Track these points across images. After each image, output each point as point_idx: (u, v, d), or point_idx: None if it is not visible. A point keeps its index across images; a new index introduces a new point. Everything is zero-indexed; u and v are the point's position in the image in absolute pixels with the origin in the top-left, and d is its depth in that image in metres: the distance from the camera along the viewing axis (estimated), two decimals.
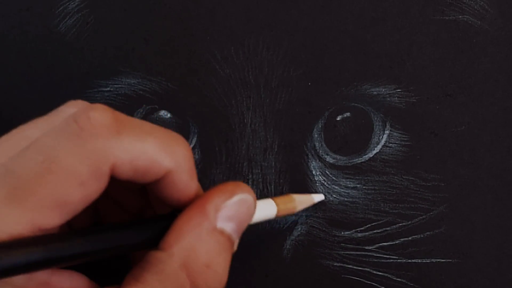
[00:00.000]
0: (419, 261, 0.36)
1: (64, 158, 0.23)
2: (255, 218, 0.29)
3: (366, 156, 0.36)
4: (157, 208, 0.30)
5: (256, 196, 0.36)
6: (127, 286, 0.25)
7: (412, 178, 0.36)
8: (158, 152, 0.25)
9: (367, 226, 0.36)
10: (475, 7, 0.36)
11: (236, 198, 0.27)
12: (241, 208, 0.27)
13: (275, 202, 0.31)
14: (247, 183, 0.36)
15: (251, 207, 0.28)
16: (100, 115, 0.24)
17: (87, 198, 0.24)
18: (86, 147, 0.24)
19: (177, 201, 0.27)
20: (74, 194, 0.23)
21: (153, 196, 0.29)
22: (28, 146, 0.24)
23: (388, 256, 0.36)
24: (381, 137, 0.36)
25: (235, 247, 0.28)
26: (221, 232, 0.27)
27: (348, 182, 0.36)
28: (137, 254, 0.31)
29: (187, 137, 0.36)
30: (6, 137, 0.26)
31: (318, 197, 0.35)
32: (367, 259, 0.36)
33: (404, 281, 0.36)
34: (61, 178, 0.23)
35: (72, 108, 0.27)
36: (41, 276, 0.25)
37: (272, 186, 0.36)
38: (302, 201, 0.34)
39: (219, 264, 0.26)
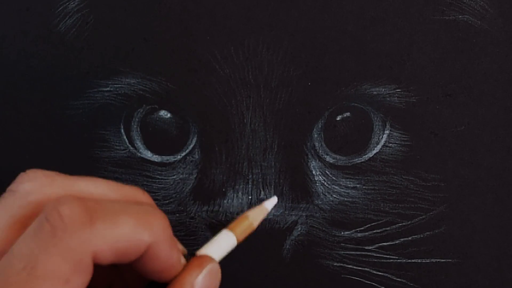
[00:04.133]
0: (419, 261, 0.36)
1: (45, 260, 0.23)
2: (219, 257, 0.30)
3: (366, 156, 0.36)
4: (130, 281, 0.31)
5: (257, 196, 0.36)
6: None
7: (412, 178, 0.36)
8: (135, 230, 0.26)
9: (367, 226, 0.36)
10: (475, 7, 0.36)
11: (205, 271, 0.29)
12: (211, 278, 0.29)
13: (232, 230, 0.32)
14: (247, 183, 0.36)
15: (218, 273, 0.30)
16: (69, 209, 0.24)
17: None
18: (64, 244, 0.24)
19: (159, 272, 0.28)
20: None
21: (127, 271, 0.29)
22: (6, 256, 0.24)
23: (388, 256, 0.36)
24: (381, 137, 0.36)
25: None
26: None
27: (348, 182, 0.36)
28: None
29: (187, 137, 0.36)
30: None
31: (271, 203, 0.34)
32: (367, 259, 0.36)
33: (404, 281, 0.36)
34: (45, 281, 0.23)
35: (26, 183, 0.27)
36: None
37: (272, 186, 0.36)
38: (256, 215, 0.33)
39: None
